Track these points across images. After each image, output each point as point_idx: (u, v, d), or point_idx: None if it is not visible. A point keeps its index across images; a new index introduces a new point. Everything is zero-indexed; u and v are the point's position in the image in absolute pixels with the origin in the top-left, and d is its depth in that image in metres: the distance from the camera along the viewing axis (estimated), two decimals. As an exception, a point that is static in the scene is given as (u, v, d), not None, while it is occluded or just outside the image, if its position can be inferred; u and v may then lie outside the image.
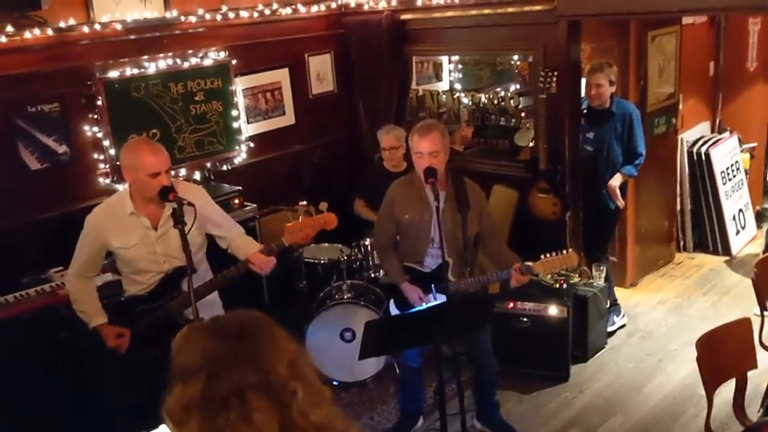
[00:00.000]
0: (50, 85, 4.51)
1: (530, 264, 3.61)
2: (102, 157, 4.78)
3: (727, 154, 6.54)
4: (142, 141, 3.33)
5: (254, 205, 5.14)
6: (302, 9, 5.78)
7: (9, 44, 4.25)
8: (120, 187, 4.80)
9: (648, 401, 4.43)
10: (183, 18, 5.06)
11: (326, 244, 5.14)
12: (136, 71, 4.86)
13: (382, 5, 5.90)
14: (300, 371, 1.42)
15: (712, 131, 6.79)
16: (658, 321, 5.37)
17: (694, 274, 6.13)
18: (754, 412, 3.53)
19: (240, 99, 5.50)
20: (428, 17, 5.77)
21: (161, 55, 4.99)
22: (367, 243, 4.92)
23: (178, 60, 5.08)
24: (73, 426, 3.88)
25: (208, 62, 5.23)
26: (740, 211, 6.60)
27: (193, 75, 5.15)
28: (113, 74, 4.75)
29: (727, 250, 6.40)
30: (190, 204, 3.08)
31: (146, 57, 4.92)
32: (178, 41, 5.10)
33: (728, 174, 6.50)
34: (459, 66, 6.77)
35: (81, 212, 4.60)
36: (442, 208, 3.51)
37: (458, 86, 6.64)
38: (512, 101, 6.00)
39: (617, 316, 5.25)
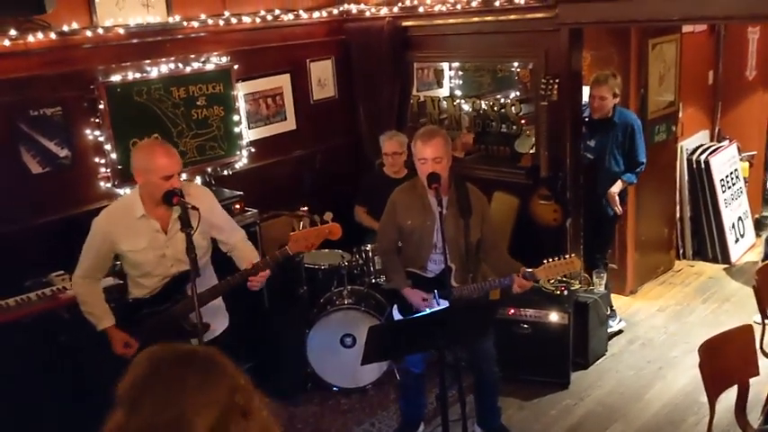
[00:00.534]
0: (53, 89, 4.51)
1: (532, 270, 3.61)
2: (103, 160, 4.77)
3: (727, 162, 6.56)
4: (156, 144, 3.32)
5: (255, 210, 5.14)
6: (304, 15, 5.79)
7: (12, 47, 4.25)
8: (120, 191, 4.81)
9: (649, 409, 4.43)
10: (185, 23, 5.07)
11: (327, 250, 5.14)
12: (138, 75, 4.87)
13: (384, 12, 5.92)
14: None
15: (712, 140, 6.82)
16: (658, 329, 5.38)
17: (694, 282, 6.14)
18: (754, 419, 3.52)
19: (242, 104, 5.51)
20: (430, 24, 5.79)
21: (163, 59, 5.00)
22: (368, 249, 4.92)
23: (180, 65, 5.09)
24: (73, 428, 3.86)
25: (210, 67, 5.23)
26: (739, 219, 6.62)
27: (195, 79, 5.16)
28: (116, 78, 4.75)
29: (726, 258, 6.41)
30: (194, 208, 3.09)
31: (148, 61, 4.93)
32: (180, 46, 5.11)
33: (728, 182, 6.53)
34: (460, 72, 6.79)
35: (82, 216, 4.64)
36: (445, 214, 3.52)
37: (458, 93, 6.65)
38: (513, 108, 6.01)
39: (612, 320, 5.26)
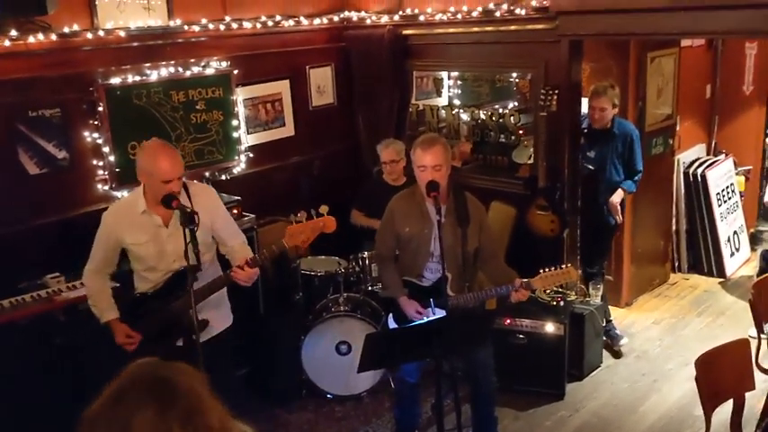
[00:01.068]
0: (52, 91, 4.50)
1: (528, 280, 3.61)
2: (101, 163, 4.76)
3: (723, 176, 6.59)
4: (160, 147, 3.33)
5: (253, 215, 5.12)
6: (305, 21, 5.81)
7: (13, 48, 4.24)
8: (118, 194, 4.80)
9: (644, 421, 4.42)
10: (186, 27, 5.07)
11: (324, 256, 5.14)
12: (138, 78, 4.86)
13: (384, 20, 5.93)
14: None
15: (708, 153, 6.85)
16: (653, 341, 5.38)
17: (689, 295, 6.16)
18: (749, 434, 3.53)
19: (241, 109, 5.50)
20: (430, 33, 5.80)
21: (163, 63, 5.00)
22: (365, 256, 4.91)
23: (180, 69, 5.08)
24: (69, 430, 3.84)
25: (209, 71, 5.23)
26: (735, 233, 6.64)
27: (195, 84, 5.15)
28: (115, 80, 4.75)
29: (721, 272, 6.43)
30: (193, 212, 3.12)
31: (148, 64, 4.92)
32: (180, 50, 5.11)
33: (724, 196, 6.55)
34: (459, 82, 6.81)
35: (79, 218, 4.64)
36: (443, 222, 3.51)
37: (456, 102, 6.67)
38: (511, 118, 6.03)
39: (621, 339, 5.24)
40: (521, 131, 6.04)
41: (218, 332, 3.47)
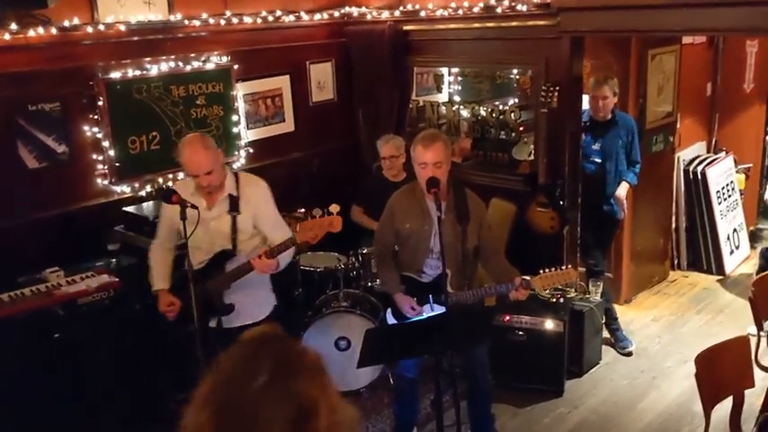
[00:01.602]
0: (52, 85, 4.49)
1: (528, 278, 3.60)
2: (101, 157, 4.76)
3: (723, 174, 6.59)
4: (190, 142, 3.47)
5: (252, 211, 5.12)
6: (305, 17, 5.79)
7: (13, 42, 4.23)
8: (117, 189, 4.81)
9: (643, 419, 4.42)
10: (186, 21, 5.06)
11: (323, 252, 5.13)
12: (138, 73, 4.86)
13: (385, 16, 5.92)
14: None
15: (708, 151, 6.84)
16: (652, 338, 5.38)
17: (688, 293, 6.16)
18: (747, 430, 3.52)
19: (241, 104, 5.50)
20: (431, 29, 5.79)
21: (163, 57, 5.00)
22: (364, 251, 4.90)
23: (180, 63, 5.08)
24: (69, 425, 3.84)
25: (210, 66, 5.23)
26: (734, 230, 6.64)
27: (195, 78, 5.15)
28: (115, 75, 4.74)
29: (720, 269, 6.43)
30: (193, 207, 3.23)
31: (148, 59, 4.92)
32: (181, 45, 5.10)
33: (723, 193, 6.55)
34: (459, 78, 6.80)
35: (78, 213, 4.64)
36: (443, 219, 3.50)
37: (457, 98, 6.66)
38: (512, 114, 6.02)
39: (629, 343, 5.22)
40: (521, 128, 6.04)
41: (252, 321, 3.45)
